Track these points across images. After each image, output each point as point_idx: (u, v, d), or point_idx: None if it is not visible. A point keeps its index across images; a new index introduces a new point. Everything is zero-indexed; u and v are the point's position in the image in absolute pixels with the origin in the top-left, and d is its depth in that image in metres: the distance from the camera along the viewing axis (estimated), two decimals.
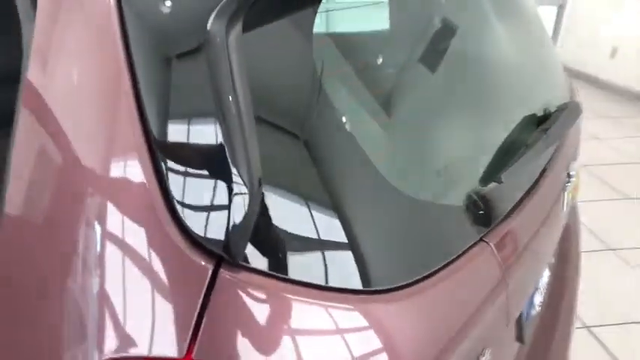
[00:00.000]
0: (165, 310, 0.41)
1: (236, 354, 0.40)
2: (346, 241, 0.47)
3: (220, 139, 0.41)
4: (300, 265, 0.46)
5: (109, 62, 0.43)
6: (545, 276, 0.91)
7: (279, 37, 0.49)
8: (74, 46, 0.45)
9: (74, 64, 0.45)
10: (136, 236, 0.42)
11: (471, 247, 0.58)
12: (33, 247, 0.46)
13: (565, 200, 0.82)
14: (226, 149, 0.41)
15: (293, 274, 0.44)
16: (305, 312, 0.44)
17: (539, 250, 0.74)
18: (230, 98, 0.41)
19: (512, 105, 0.79)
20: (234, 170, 0.41)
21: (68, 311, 0.43)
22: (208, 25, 0.41)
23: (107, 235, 0.43)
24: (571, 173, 0.83)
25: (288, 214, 0.46)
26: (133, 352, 0.40)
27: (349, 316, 0.45)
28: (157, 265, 0.41)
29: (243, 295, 0.42)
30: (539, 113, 0.79)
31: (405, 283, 0.49)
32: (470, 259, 0.57)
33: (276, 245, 0.45)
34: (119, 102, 0.43)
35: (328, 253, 0.48)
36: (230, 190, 0.41)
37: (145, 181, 0.42)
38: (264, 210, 0.44)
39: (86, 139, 0.44)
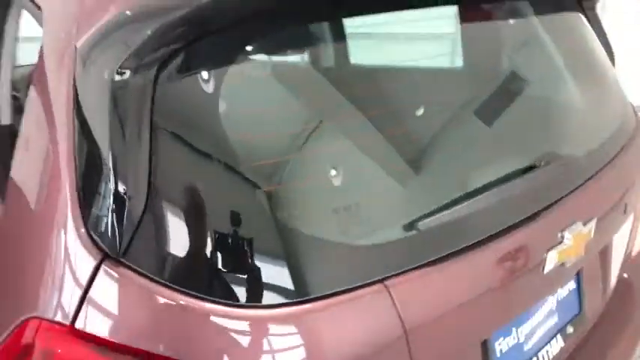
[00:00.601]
0: (61, 288, 0.51)
1: (107, 329, 0.49)
2: (222, 255, 0.52)
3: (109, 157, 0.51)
4: (173, 268, 0.52)
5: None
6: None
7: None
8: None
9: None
10: (58, 230, 0.53)
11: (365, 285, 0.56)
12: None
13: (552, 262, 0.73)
14: (116, 165, 0.51)
15: (165, 275, 0.51)
16: (164, 310, 0.50)
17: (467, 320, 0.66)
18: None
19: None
20: (121, 182, 0.50)
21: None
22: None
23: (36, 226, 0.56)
24: (565, 235, 0.74)
25: (174, 221, 0.52)
26: (34, 313, 0.51)
27: (206, 323, 0.50)
28: (66, 253, 0.52)
29: (116, 286, 0.50)
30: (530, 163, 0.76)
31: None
32: (362, 297, 0.55)
33: (155, 248, 0.52)
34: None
35: (204, 262, 0.53)
36: (117, 197, 0.50)
37: (68, 194, 0.53)
38: (148, 215, 0.51)
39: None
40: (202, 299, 0.50)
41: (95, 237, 0.51)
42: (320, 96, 0.65)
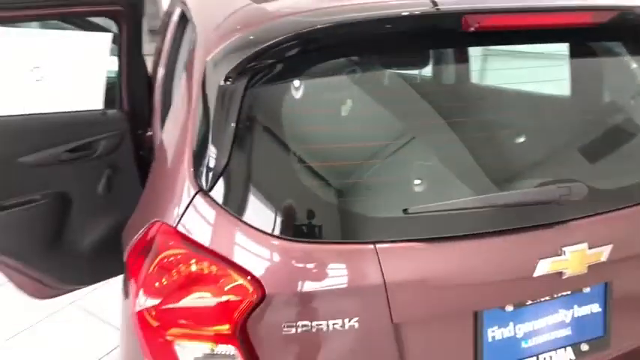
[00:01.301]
0: (174, 205, 0.82)
1: (194, 235, 0.78)
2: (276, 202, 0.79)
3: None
4: (236, 205, 0.79)
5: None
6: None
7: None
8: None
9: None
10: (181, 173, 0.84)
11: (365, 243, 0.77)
12: None
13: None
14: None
15: (231, 208, 0.78)
16: (229, 231, 0.78)
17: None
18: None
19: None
20: (215, 149, 0.80)
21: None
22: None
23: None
24: (566, 250, 0.84)
25: (241, 177, 0.80)
26: (158, 218, 0.84)
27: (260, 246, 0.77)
28: (181, 186, 0.83)
29: (203, 209, 0.80)
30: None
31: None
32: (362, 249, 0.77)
33: (228, 190, 0.80)
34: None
35: (259, 204, 0.80)
36: (210, 158, 0.80)
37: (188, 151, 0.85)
38: (227, 172, 0.78)
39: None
40: (264, 233, 0.77)
41: (197, 178, 0.82)
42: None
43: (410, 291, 0.79)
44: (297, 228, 0.78)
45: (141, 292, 0.78)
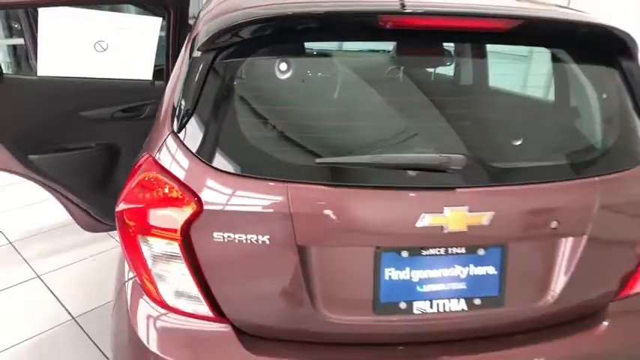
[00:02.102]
0: (157, 143, 1.11)
1: (168, 166, 1.05)
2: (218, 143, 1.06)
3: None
4: (198, 144, 1.06)
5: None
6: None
7: None
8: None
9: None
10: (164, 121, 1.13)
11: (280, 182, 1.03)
12: None
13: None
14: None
15: (191, 147, 1.06)
16: (185, 165, 1.05)
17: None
18: None
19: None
20: (184, 102, 1.10)
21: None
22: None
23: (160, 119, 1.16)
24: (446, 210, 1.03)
25: (199, 125, 1.08)
26: (147, 153, 1.12)
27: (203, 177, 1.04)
28: (165, 130, 1.13)
29: (172, 144, 1.09)
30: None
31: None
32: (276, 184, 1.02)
33: (190, 132, 1.07)
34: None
35: (216, 145, 1.03)
36: (180, 109, 1.11)
37: (170, 105, 1.10)
38: (192, 119, 1.07)
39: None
40: (207, 165, 1.05)
41: (172, 123, 1.11)
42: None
43: (311, 221, 1.03)
44: (232, 164, 1.04)
45: (122, 198, 1.09)
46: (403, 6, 1.03)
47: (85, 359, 1.96)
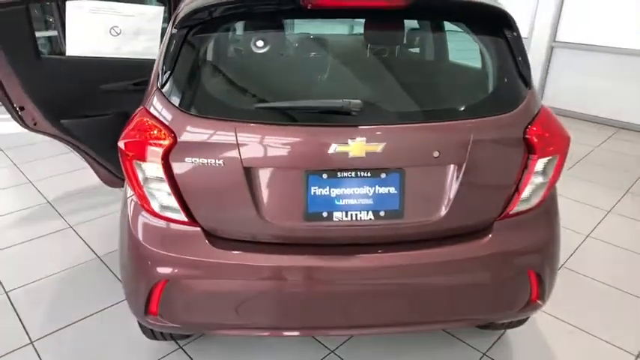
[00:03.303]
0: (150, 97, 1.58)
1: (163, 116, 1.48)
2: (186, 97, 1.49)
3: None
4: (174, 95, 1.48)
5: None
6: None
7: None
8: None
9: None
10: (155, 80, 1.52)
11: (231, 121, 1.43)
12: None
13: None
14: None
15: (169, 97, 1.49)
16: (166, 111, 1.48)
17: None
18: None
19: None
20: (165, 67, 1.64)
21: None
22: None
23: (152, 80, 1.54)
24: (349, 141, 1.41)
25: (179, 82, 1.49)
26: (143, 106, 1.56)
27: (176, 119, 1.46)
28: (155, 87, 1.54)
29: (158, 96, 1.52)
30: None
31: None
32: (229, 124, 1.43)
33: (169, 89, 1.49)
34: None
35: (186, 95, 1.47)
36: (163, 72, 1.54)
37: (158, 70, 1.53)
38: (170, 80, 1.49)
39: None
40: (180, 110, 1.47)
41: (158, 81, 1.53)
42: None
43: (253, 149, 1.44)
44: (197, 109, 1.46)
45: (123, 135, 1.53)
46: None
47: (105, 286, 2.44)
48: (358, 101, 1.42)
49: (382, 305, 1.60)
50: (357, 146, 1.43)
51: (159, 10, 2.40)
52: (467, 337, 2.14)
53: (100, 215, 3.14)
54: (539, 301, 1.71)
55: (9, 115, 2.37)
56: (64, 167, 3.89)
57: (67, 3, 2.22)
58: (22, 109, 2.33)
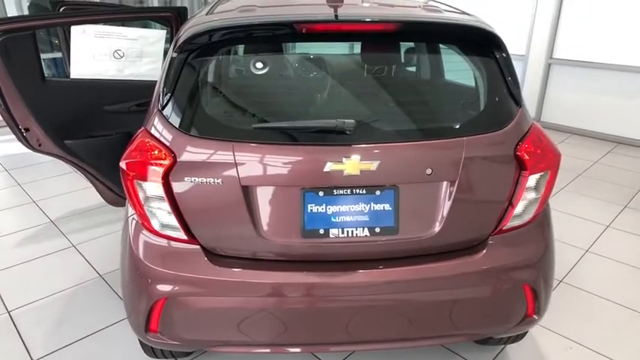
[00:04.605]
0: (150, 117, 1.60)
1: (163, 135, 1.53)
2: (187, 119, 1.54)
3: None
4: (174, 116, 1.53)
5: None
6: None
7: None
8: None
9: None
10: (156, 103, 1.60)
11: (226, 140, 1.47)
12: None
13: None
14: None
15: (169, 118, 1.54)
16: (166, 132, 1.53)
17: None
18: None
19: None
20: (165, 89, 1.63)
21: None
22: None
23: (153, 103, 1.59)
24: (344, 159, 1.46)
25: (178, 103, 1.54)
26: (144, 127, 1.61)
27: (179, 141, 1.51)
28: (156, 109, 1.60)
29: (159, 119, 1.57)
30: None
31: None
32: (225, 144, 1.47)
33: (170, 111, 1.55)
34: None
35: (185, 117, 1.52)
36: (163, 95, 1.59)
37: (159, 92, 1.56)
38: (170, 102, 1.55)
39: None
40: (180, 131, 1.52)
41: (159, 103, 1.59)
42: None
43: (250, 168, 1.48)
44: (196, 129, 1.51)
45: (125, 156, 1.57)
46: (315, 16, 1.48)
47: (107, 305, 2.46)
48: (352, 121, 1.46)
49: (380, 320, 1.62)
50: (351, 164, 1.46)
51: (161, 34, 2.47)
52: (466, 352, 2.15)
53: (103, 234, 3.17)
54: (535, 316, 1.72)
55: (13, 136, 2.43)
56: (67, 187, 3.94)
57: (72, 28, 2.29)
58: (27, 130, 2.39)
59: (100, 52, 2.39)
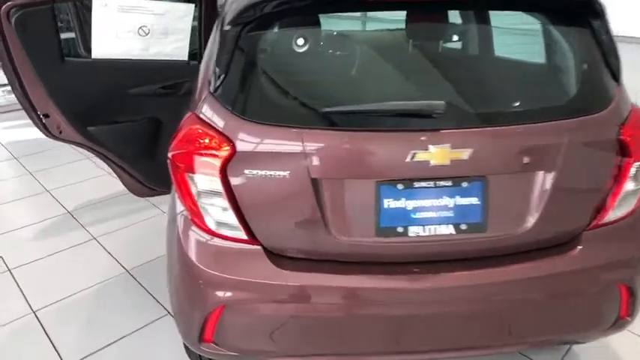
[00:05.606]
0: (199, 101, 1.39)
1: (208, 117, 1.33)
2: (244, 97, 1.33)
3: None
4: (231, 100, 1.32)
5: None
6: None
7: None
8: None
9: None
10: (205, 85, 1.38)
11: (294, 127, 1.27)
12: None
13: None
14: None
15: (226, 103, 1.32)
16: (222, 117, 1.32)
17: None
18: None
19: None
20: (218, 70, 1.36)
21: None
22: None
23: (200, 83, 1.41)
24: (430, 147, 1.26)
25: (230, 86, 1.33)
26: (192, 111, 1.41)
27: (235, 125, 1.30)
28: (205, 91, 1.40)
29: (210, 103, 1.36)
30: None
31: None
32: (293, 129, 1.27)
33: (222, 93, 1.34)
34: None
35: (245, 100, 1.30)
36: (214, 76, 1.37)
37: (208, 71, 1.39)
38: (224, 83, 1.33)
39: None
40: (239, 117, 1.31)
41: (209, 85, 1.38)
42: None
43: (322, 159, 1.28)
44: (258, 115, 1.31)
45: (172, 147, 1.37)
46: None
47: (138, 302, 2.29)
48: (442, 102, 1.26)
49: (462, 327, 1.45)
50: (440, 153, 1.27)
51: (189, 8, 2.24)
52: (532, 352, 1.99)
53: (124, 225, 2.98)
54: (627, 318, 1.55)
55: (21, 121, 2.22)
56: (81, 174, 3.74)
57: (94, 1, 2.06)
58: (46, 116, 2.18)
59: (124, 29, 2.16)
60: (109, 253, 2.71)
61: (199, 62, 2.34)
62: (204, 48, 2.36)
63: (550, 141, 1.34)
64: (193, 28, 2.33)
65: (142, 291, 2.38)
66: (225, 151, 1.29)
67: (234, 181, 1.32)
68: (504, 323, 1.46)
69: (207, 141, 1.32)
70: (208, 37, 2.38)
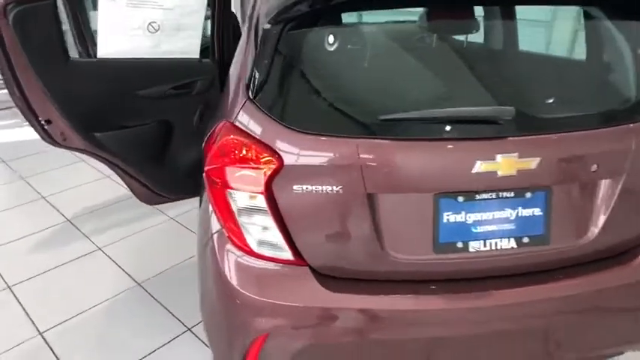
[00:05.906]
0: (233, 110, 1.25)
1: (245, 127, 1.21)
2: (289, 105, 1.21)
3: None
4: (274, 107, 1.20)
5: None
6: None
7: None
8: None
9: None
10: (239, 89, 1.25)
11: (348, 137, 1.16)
12: None
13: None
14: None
15: (269, 110, 1.20)
16: (263, 126, 1.20)
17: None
18: None
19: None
20: (258, 74, 1.25)
21: None
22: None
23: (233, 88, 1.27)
24: (497, 157, 1.16)
25: (272, 92, 1.23)
26: (225, 119, 1.27)
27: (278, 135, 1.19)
28: (239, 98, 1.27)
29: (249, 109, 1.23)
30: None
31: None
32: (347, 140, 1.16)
33: (263, 99, 1.22)
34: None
35: (290, 107, 1.17)
36: (253, 80, 1.26)
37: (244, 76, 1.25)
38: (264, 88, 1.20)
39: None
40: (285, 126, 1.18)
41: (247, 91, 1.25)
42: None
43: (379, 171, 1.16)
44: (306, 124, 1.18)
45: (208, 161, 1.24)
46: None
47: (154, 320, 2.15)
48: (511, 108, 1.15)
49: (526, 344, 1.36)
50: (507, 163, 1.16)
51: (201, 2, 2.08)
52: None
53: (130, 233, 2.83)
54: None
55: (9, 121, 2.04)
56: (78, 178, 3.55)
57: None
58: (48, 122, 2.01)
59: (133, 26, 1.99)
60: (117, 264, 2.55)
61: (212, 59, 2.21)
62: (217, 45, 2.23)
63: (617, 146, 1.24)
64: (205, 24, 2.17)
65: (157, 305, 2.24)
66: (271, 165, 1.17)
67: (281, 197, 1.19)
68: (568, 338, 1.37)
69: (250, 154, 1.19)
70: (221, 33, 2.25)
